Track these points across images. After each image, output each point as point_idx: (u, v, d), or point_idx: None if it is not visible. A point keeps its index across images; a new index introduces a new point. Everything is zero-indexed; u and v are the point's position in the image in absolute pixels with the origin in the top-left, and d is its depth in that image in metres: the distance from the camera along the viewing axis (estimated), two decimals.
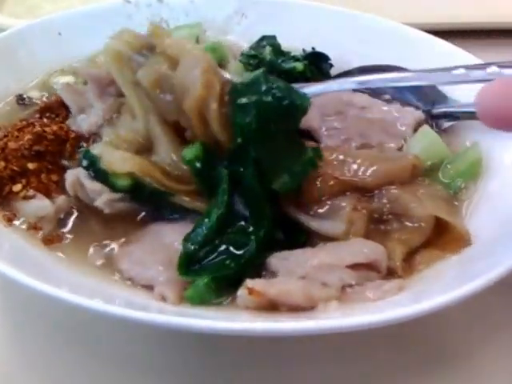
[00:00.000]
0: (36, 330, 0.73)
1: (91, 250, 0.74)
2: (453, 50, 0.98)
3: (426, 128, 0.88)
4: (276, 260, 0.71)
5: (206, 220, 0.71)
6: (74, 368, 0.69)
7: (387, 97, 0.95)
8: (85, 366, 0.70)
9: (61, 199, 0.77)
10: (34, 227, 0.74)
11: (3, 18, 1.18)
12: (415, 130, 0.89)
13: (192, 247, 0.70)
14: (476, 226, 0.77)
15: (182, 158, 0.74)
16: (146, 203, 0.77)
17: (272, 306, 0.65)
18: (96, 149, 0.77)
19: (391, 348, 0.72)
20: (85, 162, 0.76)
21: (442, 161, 0.85)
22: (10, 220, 0.74)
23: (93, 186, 0.75)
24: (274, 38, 1.02)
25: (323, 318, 0.63)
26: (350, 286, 0.68)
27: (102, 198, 0.74)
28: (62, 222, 0.77)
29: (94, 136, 0.83)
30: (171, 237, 0.74)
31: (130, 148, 0.77)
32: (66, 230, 0.76)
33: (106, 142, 0.78)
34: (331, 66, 0.99)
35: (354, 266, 0.69)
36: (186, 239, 0.71)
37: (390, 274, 0.71)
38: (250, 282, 0.66)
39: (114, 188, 0.74)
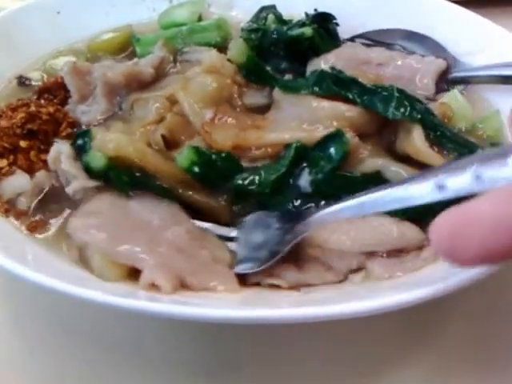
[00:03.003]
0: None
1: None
2: (466, 14, 0.93)
3: (454, 92, 0.83)
4: None
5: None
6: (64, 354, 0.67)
7: None
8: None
9: (40, 174, 0.73)
10: (20, 214, 0.71)
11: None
12: (439, 80, 0.86)
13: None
14: None
15: (179, 166, 0.70)
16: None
17: None
18: (96, 131, 0.72)
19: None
20: (80, 141, 0.72)
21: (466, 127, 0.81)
22: (7, 211, 0.72)
23: (68, 167, 0.70)
24: (273, 7, 0.96)
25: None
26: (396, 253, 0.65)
27: (74, 184, 0.69)
28: (44, 203, 0.73)
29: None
30: (146, 215, 0.67)
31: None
32: (46, 210, 0.72)
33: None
34: (337, 24, 0.93)
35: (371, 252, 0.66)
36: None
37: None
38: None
39: (87, 168, 0.69)
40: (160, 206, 0.68)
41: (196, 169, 0.70)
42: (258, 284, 0.64)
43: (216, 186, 0.71)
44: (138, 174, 0.69)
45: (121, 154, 0.69)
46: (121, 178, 0.69)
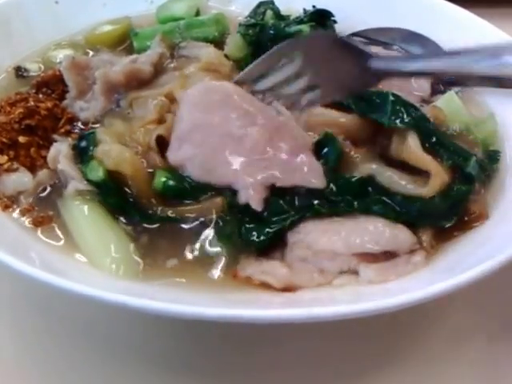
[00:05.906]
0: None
1: None
2: (465, 15, 0.93)
3: (451, 94, 0.84)
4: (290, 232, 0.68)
5: None
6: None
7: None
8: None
9: (42, 173, 0.74)
10: (25, 211, 0.72)
11: None
12: (435, 81, 0.87)
13: None
14: (493, 197, 0.74)
15: (155, 189, 0.70)
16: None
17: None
18: (101, 134, 0.73)
19: None
20: (83, 143, 0.73)
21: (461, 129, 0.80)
22: (7, 207, 0.72)
23: (65, 167, 0.70)
24: (271, 2, 0.95)
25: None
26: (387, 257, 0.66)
27: (70, 187, 0.70)
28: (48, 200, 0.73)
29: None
30: (225, 124, 0.70)
31: (138, 149, 0.73)
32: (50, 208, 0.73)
33: (112, 133, 0.75)
34: (335, 22, 0.93)
35: (362, 255, 0.66)
36: None
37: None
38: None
39: (85, 177, 0.70)
40: (231, 108, 0.71)
41: (171, 182, 0.70)
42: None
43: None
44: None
45: (119, 169, 0.70)
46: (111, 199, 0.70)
